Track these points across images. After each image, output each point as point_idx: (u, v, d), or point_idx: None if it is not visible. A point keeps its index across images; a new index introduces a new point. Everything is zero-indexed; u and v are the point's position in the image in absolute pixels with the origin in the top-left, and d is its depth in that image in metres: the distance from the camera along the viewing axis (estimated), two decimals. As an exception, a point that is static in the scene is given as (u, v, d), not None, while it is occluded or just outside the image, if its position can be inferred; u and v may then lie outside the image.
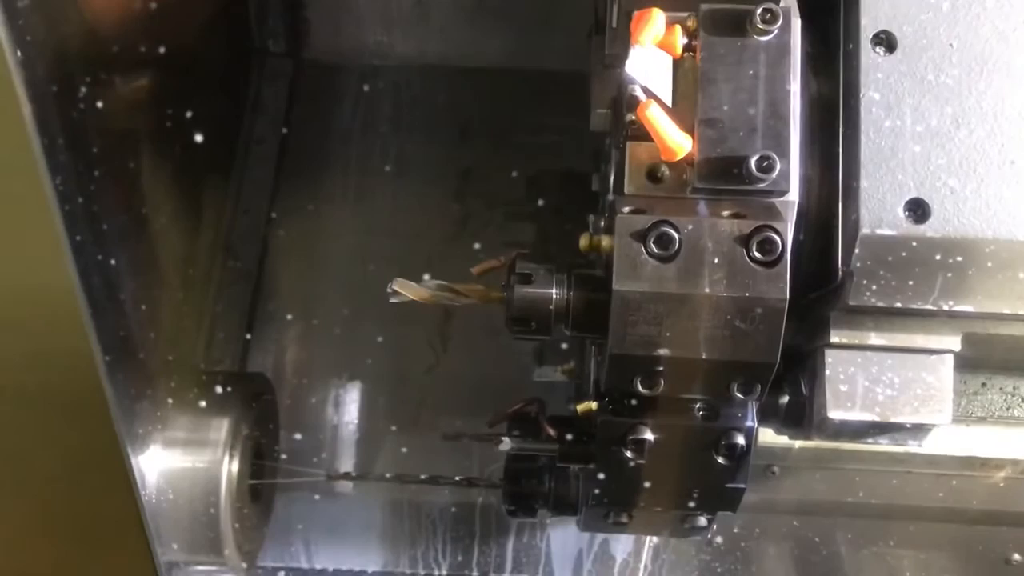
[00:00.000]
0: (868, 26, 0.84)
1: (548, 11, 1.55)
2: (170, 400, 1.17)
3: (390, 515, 1.48)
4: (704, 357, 0.78)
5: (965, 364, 1.01)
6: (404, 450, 1.46)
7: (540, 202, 1.45)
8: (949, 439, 1.12)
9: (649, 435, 0.84)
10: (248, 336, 1.49)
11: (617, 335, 0.78)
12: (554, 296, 0.82)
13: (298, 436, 1.44)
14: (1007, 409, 1.09)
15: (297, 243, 1.54)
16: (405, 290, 0.82)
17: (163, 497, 1.14)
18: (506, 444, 0.93)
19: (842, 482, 1.33)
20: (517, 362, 1.40)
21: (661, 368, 0.79)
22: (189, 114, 1.20)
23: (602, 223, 0.84)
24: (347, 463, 1.47)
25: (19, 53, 0.68)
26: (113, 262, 0.91)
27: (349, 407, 1.50)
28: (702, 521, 0.96)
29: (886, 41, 0.84)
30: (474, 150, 1.59)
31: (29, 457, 0.93)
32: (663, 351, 0.78)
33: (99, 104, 0.90)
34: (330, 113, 1.60)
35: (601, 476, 0.87)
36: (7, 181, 0.75)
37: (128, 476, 0.92)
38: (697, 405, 0.84)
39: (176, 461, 1.18)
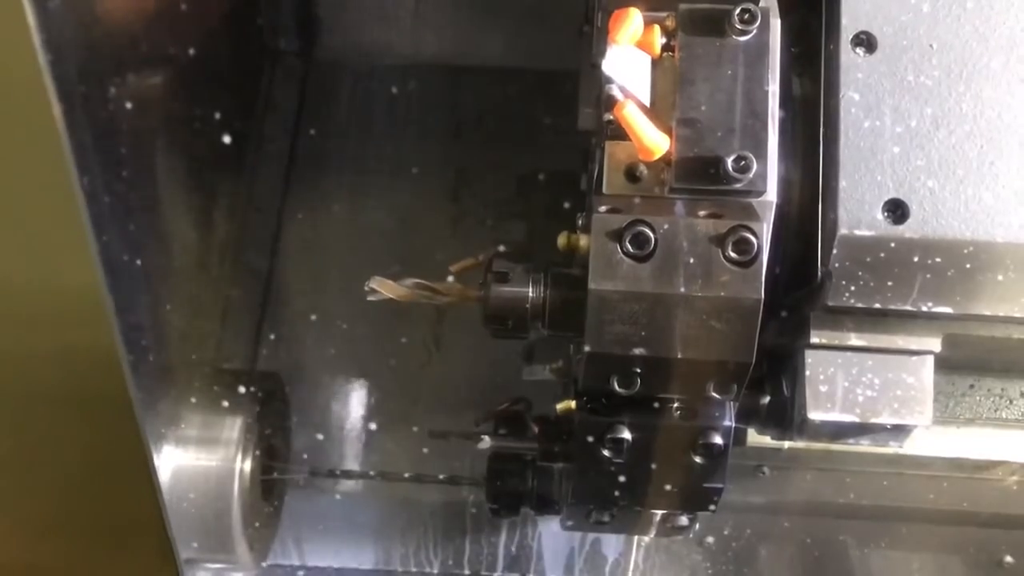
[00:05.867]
0: (848, 26, 0.84)
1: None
2: (185, 398, 1.18)
3: (381, 513, 1.48)
4: (680, 356, 0.78)
5: (953, 366, 1.01)
6: (397, 448, 1.46)
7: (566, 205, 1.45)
8: (938, 441, 1.12)
9: (627, 434, 0.84)
10: (260, 334, 1.50)
11: (593, 334, 0.78)
12: (530, 295, 0.82)
13: (320, 436, 1.45)
14: (995, 411, 1.09)
15: (309, 241, 1.54)
16: (383, 288, 0.82)
17: (177, 495, 1.15)
18: (486, 443, 0.93)
19: (833, 483, 1.33)
20: (512, 360, 1.41)
21: (638, 367, 0.79)
22: (204, 113, 1.21)
23: (580, 222, 0.84)
24: (349, 461, 1.48)
25: (49, 55, 0.69)
26: (138, 262, 0.92)
27: (353, 405, 1.50)
28: (683, 520, 0.96)
29: (866, 42, 0.84)
30: (491, 149, 1.59)
31: (53, 454, 0.94)
32: (639, 350, 0.78)
33: (122, 104, 0.91)
34: (342, 112, 1.60)
35: (580, 475, 0.88)
36: (39, 184, 0.76)
37: (150, 473, 0.93)
38: (675, 404, 0.85)
39: (189, 459, 1.19)
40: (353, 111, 1.60)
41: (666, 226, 0.77)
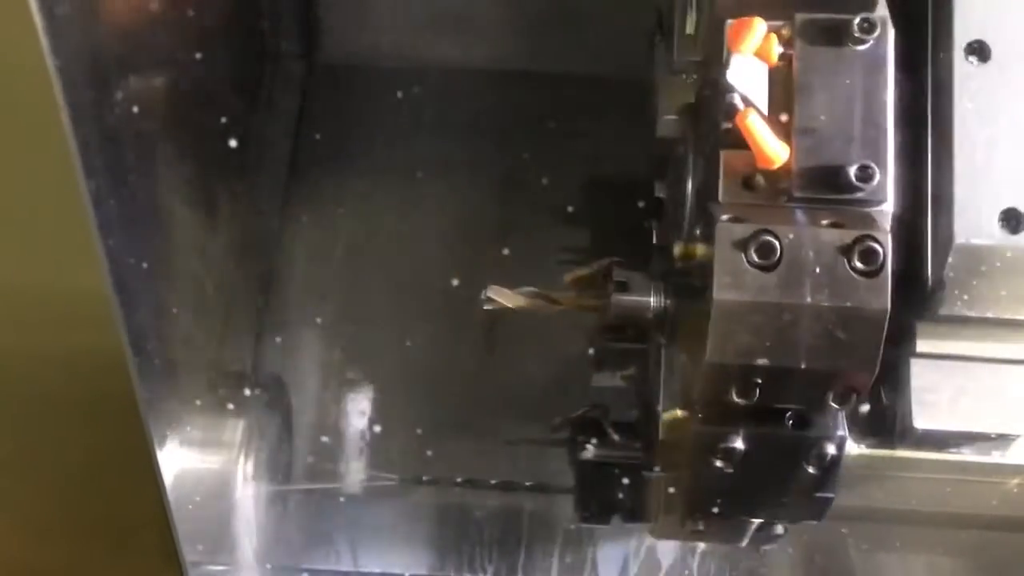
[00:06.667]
0: (961, 35, 0.84)
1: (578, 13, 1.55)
2: (189, 401, 1.17)
3: (427, 519, 1.48)
4: (803, 367, 0.78)
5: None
6: (399, 452, 1.46)
7: (569, 209, 1.46)
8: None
9: (740, 444, 0.84)
10: (262, 337, 1.49)
11: (716, 344, 0.77)
12: (652, 304, 0.82)
13: (325, 439, 1.44)
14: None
15: (311, 244, 1.54)
16: (500, 297, 0.82)
17: (181, 496, 1.14)
18: (589, 452, 0.93)
19: (895, 489, 1.32)
20: (566, 367, 1.41)
21: (758, 377, 0.79)
22: (206, 116, 1.21)
23: (698, 231, 0.84)
24: (358, 466, 1.47)
25: (57, 60, 0.69)
26: (143, 264, 0.93)
27: (357, 408, 1.49)
28: (779, 529, 0.96)
29: (979, 51, 0.83)
30: (494, 151, 1.58)
31: (58, 456, 0.95)
32: (761, 360, 0.78)
33: (127, 108, 0.91)
34: (343, 115, 1.61)
35: (688, 484, 0.87)
36: (46, 188, 0.76)
37: (154, 475, 0.93)
38: (789, 414, 0.84)
39: (193, 461, 1.19)
40: (354, 113, 1.61)
41: (791, 235, 0.76)
